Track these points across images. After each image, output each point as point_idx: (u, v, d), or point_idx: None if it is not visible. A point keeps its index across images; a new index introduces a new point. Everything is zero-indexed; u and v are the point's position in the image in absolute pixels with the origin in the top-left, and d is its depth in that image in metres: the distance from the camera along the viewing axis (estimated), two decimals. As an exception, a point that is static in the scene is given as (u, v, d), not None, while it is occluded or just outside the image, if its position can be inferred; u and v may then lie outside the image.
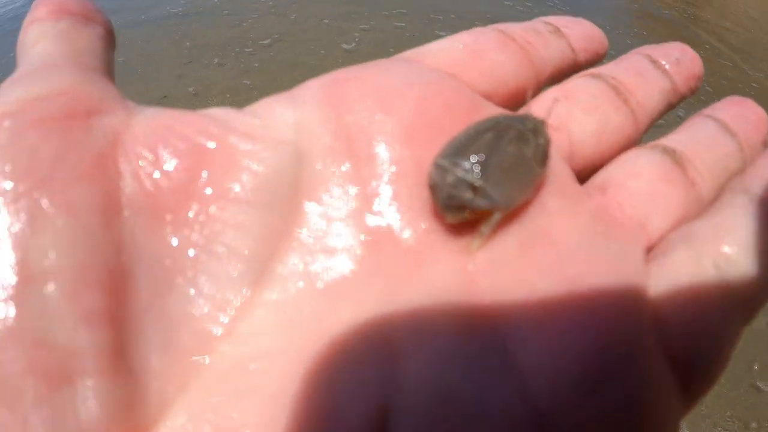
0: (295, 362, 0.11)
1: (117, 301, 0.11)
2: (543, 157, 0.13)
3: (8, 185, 0.11)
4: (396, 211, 0.13)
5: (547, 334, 0.12)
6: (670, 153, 0.16)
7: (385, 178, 0.13)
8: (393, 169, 0.13)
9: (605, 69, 0.19)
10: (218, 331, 0.12)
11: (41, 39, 0.14)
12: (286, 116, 0.14)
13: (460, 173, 0.12)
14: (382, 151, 0.13)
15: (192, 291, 0.12)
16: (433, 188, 0.12)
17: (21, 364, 0.10)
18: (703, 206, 0.16)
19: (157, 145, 0.12)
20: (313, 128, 0.13)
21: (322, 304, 0.12)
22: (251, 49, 1.14)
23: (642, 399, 0.12)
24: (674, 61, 0.19)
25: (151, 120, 0.13)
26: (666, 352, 0.13)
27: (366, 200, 0.13)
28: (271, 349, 0.11)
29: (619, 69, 0.19)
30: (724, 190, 0.16)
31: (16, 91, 0.12)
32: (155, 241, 0.12)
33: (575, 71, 0.19)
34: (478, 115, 0.14)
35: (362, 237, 0.13)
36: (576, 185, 0.15)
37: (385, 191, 0.13)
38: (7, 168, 0.11)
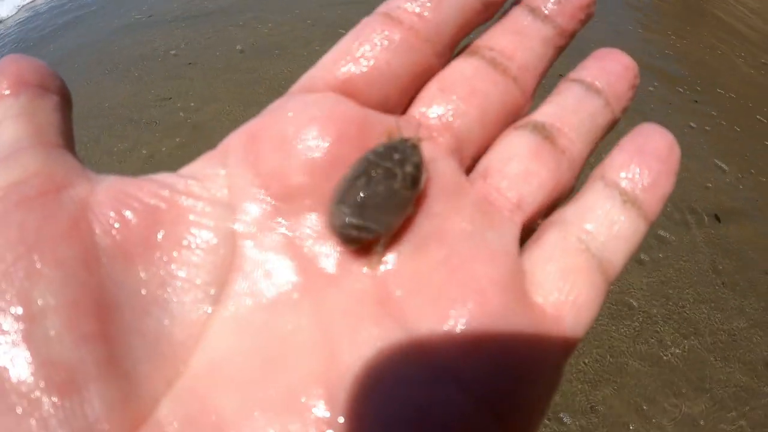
0: (253, 357, 0.15)
1: (106, 324, 0.14)
2: (413, 182, 0.17)
3: (8, 255, 0.14)
4: (314, 240, 0.17)
5: (441, 314, 0.16)
6: (540, 129, 0.19)
7: (303, 213, 0.17)
8: (306, 203, 0.17)
9: (485, 38, 0.20)
10: (190, 341, 0.15)
11: (5, 118, 0.16)
12: (218, 176, 0.17)
13: (346, 219, 0.16)
14: (294, 191, 0.17)
15: (164, 313, 0.15)
16: (331, 229, 0.16)
17: (37, 381, 0.13)
18: (574, 167, 0.19)
19: (119, 208, 0.16)
20: (240, 183, 0.17)
21: (269, 314, 0.16)
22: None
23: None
24: (555, 2, 0.20)
25: (110, 188, 0.16)
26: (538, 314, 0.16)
27: (291, 234, 0.17)
28: (234, 350, 0.15)
29: (497, 34, 0.20)
30: (589, 177, 0.18)
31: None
32: (129, 279, 0.15)
33: (477, 26, 0.20)
34: (368, 135, 0.17)
35: (291, 262, 0.16)
36: (459, 180, 0.18)
37: (303, 224, 0.17)
38: (4, 242, 0.14)
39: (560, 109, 0.19)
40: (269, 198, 0.17)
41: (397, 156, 0.17)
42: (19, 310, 0.13)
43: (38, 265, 0.14)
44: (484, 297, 0.16)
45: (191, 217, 0.16)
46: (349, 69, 0.18)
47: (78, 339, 0.14)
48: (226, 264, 0.16)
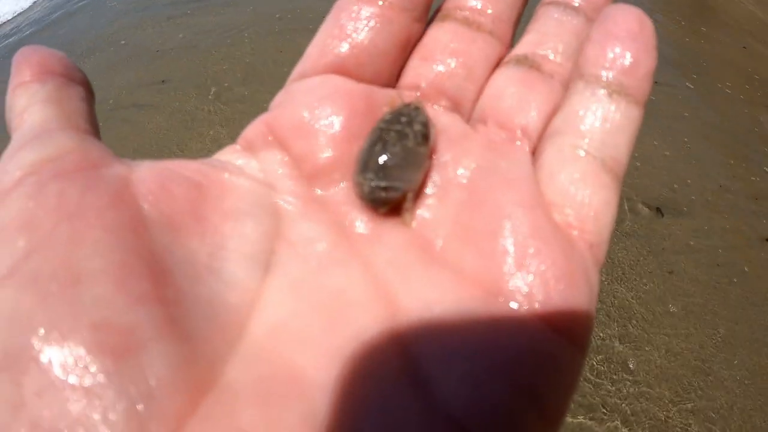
0: (315, 315, 0.15)
1: (160, 287, 0.14)
2: (423, 138, 0.18)
3: (45, 221, 0.13)
4: (349, 207, 0.18)
5: (479, 249, 0.17)
6: (523, 60, 0.20)
7: (335, 185, 0.18)
8: (335, 176, 0.18)
9: None
10: (245, 306, 0.15)
11: (32, 103, 0.16)
12: (250, 163, 0.18)
13: (372, 183, 0.18)
14: (323, 167, 0.18)
15: (217, 280, 0.15)
16: (361, 198, 0.18)
17: (83, 346, 0.12)
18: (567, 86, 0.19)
19: (162, 182, 0.16)
20: (273, 167, 0.18)
21: (320, 275, 0.16)
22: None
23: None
24: None
25: (150, 167, 0.16)
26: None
27: (324, 204, 0.18)
28: (293, 310, 0.15)
29: None
30: (569, 81, 0.19)
31: (29, 155, 0.15)
32: (179, 248, 0.15)
33: None
34: (375, 107, 0.19)
35: (332, 228, 0.17)
36: (464, 129, 0.20)
37: (336, 194, 0.18)
38: (41, 211, 0.13)
39: (541, 36, 0.20)
40: (302, 176, 0.18)
41: (404, 119, 0.18)
42: (64, 273, 0.13)
43: (81, 229, 0.13)
44: (512, 221, 0.17)
45: (235, 191, 0.17)
46: (337, 53, 0.19)
47: (132, 300, 0.13)
48: (272, 234, 0.17)
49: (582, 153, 0.18)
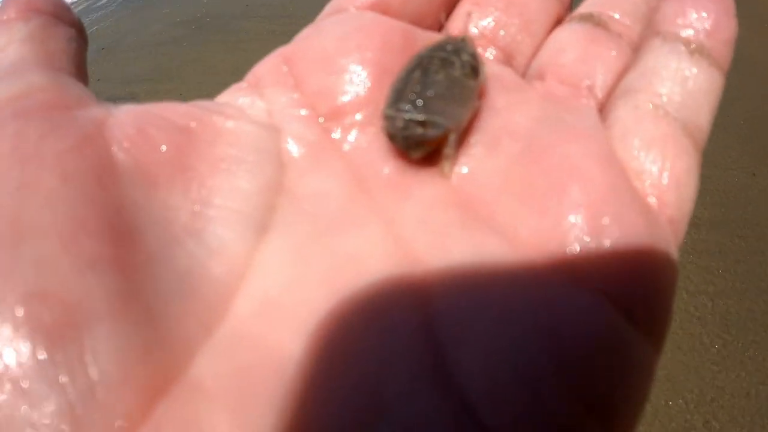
0: (319, 286, 0.12)
1: (122, 251, 0.11)
2: (472, 70, 0.15)
3: None
4: (373, 155, 0.14)
5: (539, 207, 0.13)
6: (587, 18, 0.17)
7: (354, 129, 0.15)
8: (357, 119, 0.15)
9: None
10: (232, 279, 0.12)
11: (12, 41, 0.14)
12: (254, 102, 0.15)
13: (406, 116, 0.14)
14: (344, 107, 0.15)
15: (198, 245, 0.12)
16: (391, 136, 0.14)
17: (10, 322, 0.09)
18: (636, 49, 0.17)
19: (142, 126, 0.13)
20: (282, 106, 0.15)
21: (330, 237, 0.13)
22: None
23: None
24: None
25: (132, 110, 0.14)
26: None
27: (342, 151, 0.15)
28: (292, 281, 0.12)
29: None
30: (642, 37, 0.16)
31: None
32: (154, 205, 0.12)
33: None
34: (414, 45, 0.16)
35: (350, 179, 0.14)
36: (518, 80, 0.16)
37: (359, 140, 0.15)
38: None
39: None
40: (317, 117, 0.15)
41: (450, 47, 0.15)
42: (5, 229, 0.10)
43: (35, 177, 0.11)
44: (583, 178, 0.13)
45: (230, 136, 0.14)
46: None
47: (81, 264, 0.10)
48: (273, 187, 0.14)
49: (661, 112, 0.15)
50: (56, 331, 0.10)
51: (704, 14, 0.16)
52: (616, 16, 0.17)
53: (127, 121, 0.13)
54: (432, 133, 0.14)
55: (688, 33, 0.16)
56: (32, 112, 0.12)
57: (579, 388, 0.11)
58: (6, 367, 0.09)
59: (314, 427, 0.10)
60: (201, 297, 0.12)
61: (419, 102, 0.14)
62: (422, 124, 0.14)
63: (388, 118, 0.14)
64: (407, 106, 0.14)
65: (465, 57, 0.15)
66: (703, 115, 0.15)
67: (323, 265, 0.13)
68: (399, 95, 0.14)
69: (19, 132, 0.12)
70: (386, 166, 0.14)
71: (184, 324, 0.11)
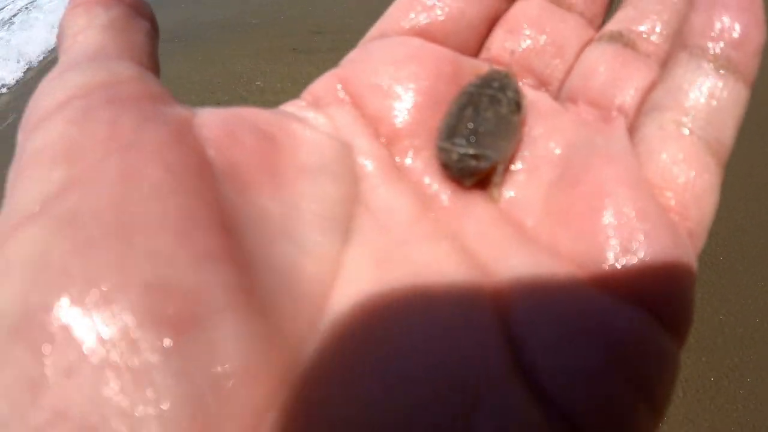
0: (407, 289, 0.13)
1: (232, 244, 0.11)
2: (516, 105, 0.17)
3: (91, 152, 0.11)
4: (431, 177, 0.16)
5: (578, 230, 0.15)
6: (617, 37, 0.18)
7: (410, 152, 0.16)
8: (415, 143, 0.16)
9: None
10: (326, 276, 0.13)
11: (91, 26, 0.14)
12: (318, 119, 0.16)
13: (461, 150, 0.16)
14: (402, 131, 0.16)
15: (292, 245, 0.13)
16: (446, 167, 0.16)
17: (132, 312, 0.09)
18: (665, 62, 0.18)
19: (231, 129, 0.13)
20: (345, 124, 0.16)
21: (405, 247, 0.14)
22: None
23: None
24: None
25: (216, 112, 0.14)
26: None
27: (403, 172, 0.16)
28: (381, 283, 0.13)
29: None
30: (670, 50, 0.17)
31: (77, 77, 0.13)
32: (249, 205, 0.12)
33: None
34: (462, 73, 0.17)
35: (413, 197, 0.15)
36: (553, 106, 0.18)
37: (415, 163, 0.16)
38: (86, 139, 0.11)
39: (638, 12, 0.19)
40: (379, 137, 0.16)
41: (496, 84, 0.17)
42: (110, 217, 0.10)
43: (137, 166, 0.11)
44: (614, 201, 0.15)
45: (311, 145, 0.15)
46: (423, 18, 0.18)
47: (196, 257, 0.10)
48: (351, 198, 0.15)
49: (686, 131, 0.16)
50: (181, 323, 0.09)
51: (732, 25, 0.16)
52: (645, 33, 0.18)
53: (214, 123, 0.13)
54: (483, 165, 0.16)
55: (715, 47, 0.16)
56: (123, 101, 0.12)
57: (631, 378, 0.13)
58: (129, 359, 0.09)
59: (419, 415, 0.11)
60: (302, 292, 0.12)
61: (472, 138, 0.16)
62: (475, 157, 0.16)
63: (444, 151, 0.16)
64: (462, 141, 0.16)
65: (510, 94, 0.17)
66: (727, 132, 0.16)
67: (404, 271, 0.14)
68: (453, 130, 0.16)
69: (115, 119, 0.11)
70: (442, 187, 0.16)
71: (293, 316, 0.12)
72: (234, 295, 0.10)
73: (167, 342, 0.09)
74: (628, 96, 0.17)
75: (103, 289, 0.09)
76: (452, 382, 0.12)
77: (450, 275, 0.14)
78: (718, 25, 0.16)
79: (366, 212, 0.15)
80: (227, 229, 0.11)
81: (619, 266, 0.14)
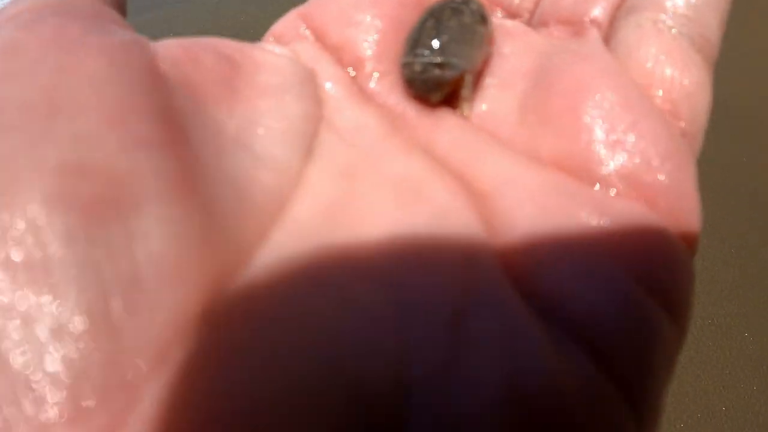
0: (379, 195, 0.12)
1: (175, 135, 0.10)
2: (481, 17, 0.16)
3: (33, 49, 0.10)
4: (398, 98, 0.15)
5: (564, 132, 0.14)
6: None
7: (375, 76, 0.16)
8: (379, 67, 0.16)
9: None
10: (285, 189, 0.12)
11: None
12: (280, 49, 0.16)
13: (424, 60, 0.15)
14: (365, 56, 0.16)
15: (250, 157, 0.12)
16: (410, 81, 0.15)
17: (41, 195, 0.08)
18: None
19: (188, 48, 0.13)
20: (308, 55, 0.16)
21: (375, 161, 0.14)
22: None
23: None
24: None
25: (174, 40, 0.13)
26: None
27: (369, 95, 0.15)
28: (348, 192, 0.12)
29: None
30: None
31: None
32: (204, 118, 0.12)
33: None
34: (427, 2, 0.17)
35: (381, 116, 0.15)
36: (523, 28, 0.17)
37: (381, 86, 0.15)
38: (31, 40, 0.10)
39: None
40: (340, 64, 0.16)
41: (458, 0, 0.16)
42: (39, 104, 0.09)
43: (78, 59, 0.10)
44: (596, 91, 0.14)
45: (273, 67, 0.14)
46: None
47: (128, 141, 0.09)
48: (314, 116, 0.14)
49: (665, 28, 0.15)
50: (96, 208, 0.08)
51: None
52: None
53: (171, 44, 0.13)
54: (449, 74, 0.15)
55: None
56: (74, 13, 0.11)
57: (644, 278, 0.11)
58: (28, 248, 0.08)
59: (409, 307, 0.10)
60: (254, 200, 0.11)
61: (435, 44, 0.15)
62: (439, 65, 0.15)
63: (407, 65, 0.15)
64: (424, 51, 0.15)
65: (473, 6, 0.16)
66: (711, 27, 0.15)
67: (376, 181, 0.13)
68: (415, 43, 0.15)
69: (61, 24, 0.11)
70: (410, 107, 0.15)
71: (241, 222, 0.11)
72: (168, 184, 0.09)
73: (77, 230, 0.08)
74: (600, 8, 0.17)
75: (12, 171, 0.08)
76: (441, 284, 0.11)
77: (426, 183, 0.13)
78: None
79: (331, 130, 0.14)
80: (171, 123, 0.10)
81: (606, 159, 0.13)
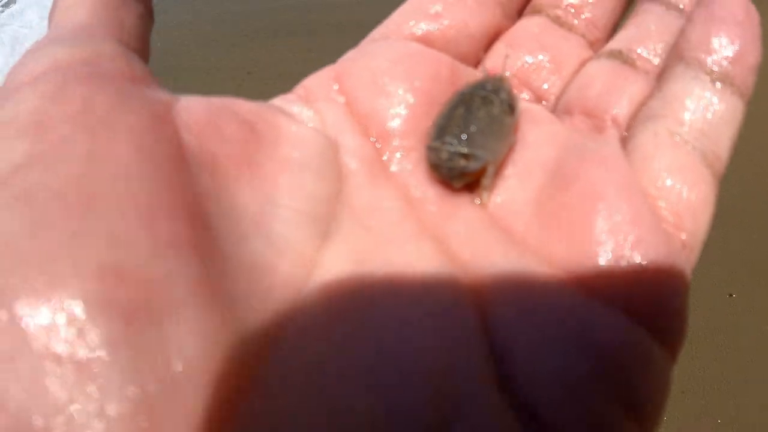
0: (383, 291, 0.13)
1: (200, 234, 0.10)
2: (510, 107, 0.16)
3: (61, 126, 0.10)
4: (419, 179, 0.16)
5: (571, 236, 0.15)
6: (616, 55, 0.18)
7: (400, 152, 0.16)
8: (405, 143, 0.16)
9: None
10: (300, 276, 0.12)
11: (82, 2, 0.14)
12: (305, 112, 0.16)
13: (451, 149, 0.15)
14: (394, 131, 0.16)
15: (266, 243, 0.12)
16: (435, 167, 0.15)
17: (82, 299, 0.08)
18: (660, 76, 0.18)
19: (212, 115, 0.13)
20: (334, 121, 0.16)
21: (388, 248, 0.14)
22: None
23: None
24: None
25: (198, 99, 0.13)
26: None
27: (390, 173, 0.16)
28: (357, 283, 0.13)
29: None
30: (666, 62, 0.17)
31: (58, 50, 0.12)
32: (224, 197, 0.12)
33: None
34: (458, 79, 0.17)
35: (399, 198, 0.15)
36: (547, 115, 0.18)
37: (403, 163, 0.16)
38: (57, 113, 0.10)
39: (640, 32, 0.19)
40: (368, 136, 0.16)
41: (489, 86, 0.16)
42: (72, 195, 0.09)
43: (107, 144, 0.10)
44: (607, 205, 0.15)
45: (294, 139, 0.14)
46: (425, 25, 0.18)
47: (161, 244, 0.09)
48: (333, 196, 0.14)
49: (682, 141, 0.16)
50: (135, 315, 0.09)
51: (729, 41, 0.16)
52: (646, 54, 0.18)
53: (195, 108, 0.13)
54: (473, 165, 0.15)
55: (711, 60, 0.16)
56: (101, 79, 0.12)
57: (616, 391, 0.12)
58: (73, 347, 0.08)
59: (398, 414, 0.11)
60: (272, 291, 0.12)
61: (463, 136, 0.15)
62: (465, 156, 0.15)
63: (433, 150, 0.15)
64: (453, 140, 0.15)
65: (503, 95, 0.16)
66: (723, 144, 0.16)
67: (383, 270, 0.13)
68: (443, 130, 0.16)
69: (88, 97, 0.11)
70: (430, 190, 0.16)
71: (261, 316, 0.11)
72: (197, 289, 0.10)
73: (117, 334, 0.08)
74: (622, 106, 0.17)
75: (52, 271, 0.09)
76: (429, 389, 0.12)
77: (431, 275, 0.13)
78: (714, 39, 0.16)
79: (348, 211, 0.14)
80: (196, 219, 0.11)
81: (608, 271, 0.14)
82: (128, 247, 0.09)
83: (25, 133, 0.10)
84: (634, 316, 0.13)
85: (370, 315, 0.12)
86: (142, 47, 0.14)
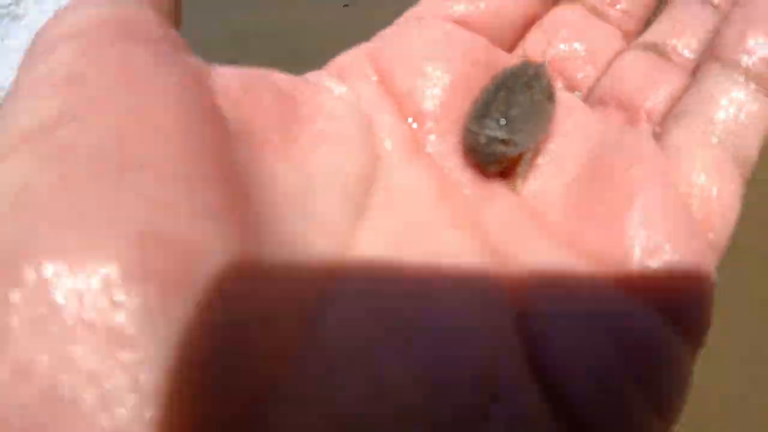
0: (417, 273, 0.12)
1: (238, 204, 0.10)
2: (549, 93, 0.16)
3: (98, 81, 0.10)
4: (454, 162, 0.15)
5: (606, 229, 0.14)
6: (651, 47, 0.18)
7: (435, 134, 0.15)
8: (441, 125, 0.15)
9: None
10: (337, 254, 0.12)
11: None
12: (340, 89, 0.15)
13: (489, 133, 0.15)
14: (430, 112, 0.15)
15: (302, 218, 0.12)
16: (472, 151, 0.15)
17: (117, 263, 0.08)
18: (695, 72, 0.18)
19: (248, 83, 0.12)
20: (370, 98, 0.15)
21: (422, 231, 0.13)
22: None
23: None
24: None
25: (235, 68, 0.13)
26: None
27: (425, 154, 0.15)
28: (392, 265, 0.12)
29: None
30: (701, 59, 0.17)
31: (93, 10, 0.12)
32: (260, 169, 0.11)
33: None
34: (496, 63, 0.17)
35: (434, 181, 0.15)
36: (582, 106, 0.18)
37: (439, 146, 0.15)
38: (94, 68, 0.10)
39: (674, 24, 0.19)
40: (404, 116, 0.15)
41: (531, 71, 0.16)
42: (111, 152, 0.09)
43: (146, 103, 0.10)
44: (642, 199, 0.15)
45: (331, 113, 0.14)
46: (462, 8, 0.18)
47: (200, 211, 0.09)
48: (368, 174, 0.14)
49: (714, 139, 0.16)
50: (171, 280, 0.08)
51: (765, 41, 0.16)
52: (680, 48, 0.18)
53: (232, 76, 0.12)
54: (512, 151, 0.15)
55: (748, 61, 0.16)
56: (138, 40, 0.11)
57: (646, 386, 0.13)
58: (106, 315, 0.08)
59: (443, 389, 0.11)
60: (309, 269, 0.11)
61: (503, 121, 0.15)
62: (504, 142, 0.15)
63: (471, 133, 0.15)
64: (492, 124, 0.15)
65: (543, 81, 0.16)
66: (753, 145, 0.16)
67: (420, 254, 0.13)
68: (483, 112, 0.15)
69: (126, 55, 0.10)
70: (464, 173, 0.15)
71: (297, 292, 0.11)
72: (236, 258, 0.09)
73: (154, 302, 0.08)
74: (657, 101, 0.17)
75: (87, 233, 0.08)
76: (472, 372, 0.11)
77: (468, 263, 0.13)
78: (751, 40, 0.16)
79: (383, 191, 0.14)
80: (235, 188, 0.10)
81: (640, 267, 0.14)
82: (167, 212, 0.09)
83: (59, 89, 0.10)
84: (664, 313, 0.13)
85: (408, 298, 0.12)
86: (174, 15, 0.14)
